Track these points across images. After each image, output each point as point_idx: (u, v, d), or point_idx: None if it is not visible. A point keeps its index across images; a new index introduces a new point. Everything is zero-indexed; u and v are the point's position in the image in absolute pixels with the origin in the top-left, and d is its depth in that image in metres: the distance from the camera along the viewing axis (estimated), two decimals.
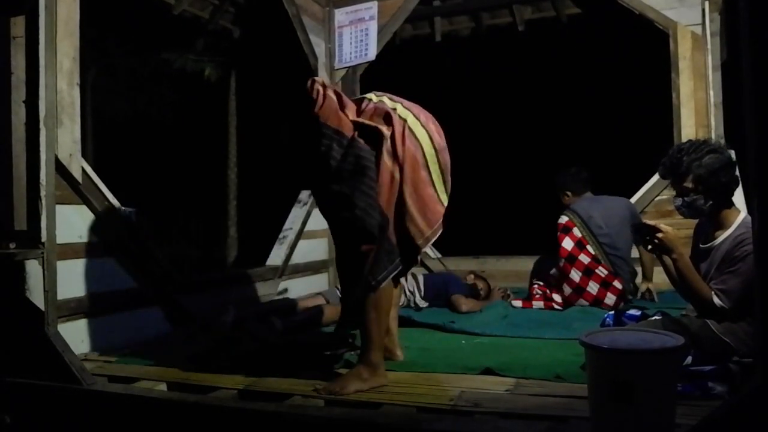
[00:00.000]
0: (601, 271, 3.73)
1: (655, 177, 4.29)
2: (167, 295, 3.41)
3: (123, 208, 3.26)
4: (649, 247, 2.37)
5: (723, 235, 2.35)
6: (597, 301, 3.73)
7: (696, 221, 2.59)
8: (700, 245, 2.47)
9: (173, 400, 2.29)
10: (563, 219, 3.93)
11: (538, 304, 3.89)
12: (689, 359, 2.18)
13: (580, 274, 3.76)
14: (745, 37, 1.39)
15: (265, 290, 4.28)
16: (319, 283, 5.00)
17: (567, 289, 3.82)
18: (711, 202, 2.33)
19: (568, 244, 3.81)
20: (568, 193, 4.18)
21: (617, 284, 3.73)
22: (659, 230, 2.31)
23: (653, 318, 2.49)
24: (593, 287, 3.73)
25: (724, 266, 2.28)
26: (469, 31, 6.25)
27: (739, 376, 2.08)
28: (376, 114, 2.33)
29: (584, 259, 3.76)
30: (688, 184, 2.34)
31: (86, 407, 2.34)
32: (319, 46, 5.22)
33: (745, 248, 2.19)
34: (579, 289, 3.77)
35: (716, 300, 2.25)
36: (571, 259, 3.79)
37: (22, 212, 2.52)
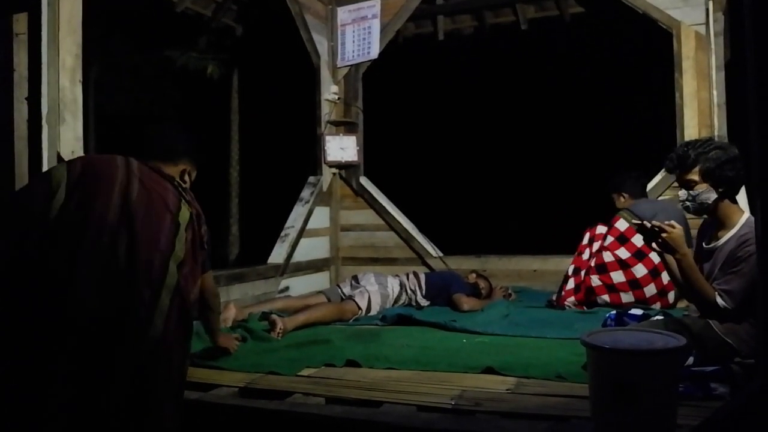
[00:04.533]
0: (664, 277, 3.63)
1: (658, 176, 4.29)
2: None
3: None
4: (653, 245, 2.37)
5: (727, 236, 2.34)
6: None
7: (700, 223, 2.58)
8: (704, 245, 2.46)
9: None
10: (623, 225, 3.73)
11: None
12: (691, 360, 2.17)
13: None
14: (749, 37, 1.38)
15: (266, 288, 4.28)
16: (321, 281, 5.00)
17: (651, 290, 3.68)
18: (716, 197, 2.33)
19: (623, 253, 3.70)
20: (625, 194, 4.02)
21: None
22: (664, 230, 2.30)
23: (655, 318, 2.49)
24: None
25: (728, 267, 2.28)
26: (472, 30, 6.24)
27: (741, 377, 2.07)
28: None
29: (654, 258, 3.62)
30: (695, 176, 2.34)
31: None
32: (322, 44, 5.21)
33: (749, 248, 2.19)
34: (663, 292, 3.67)
35: (719, 300, 2.24)
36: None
37: None
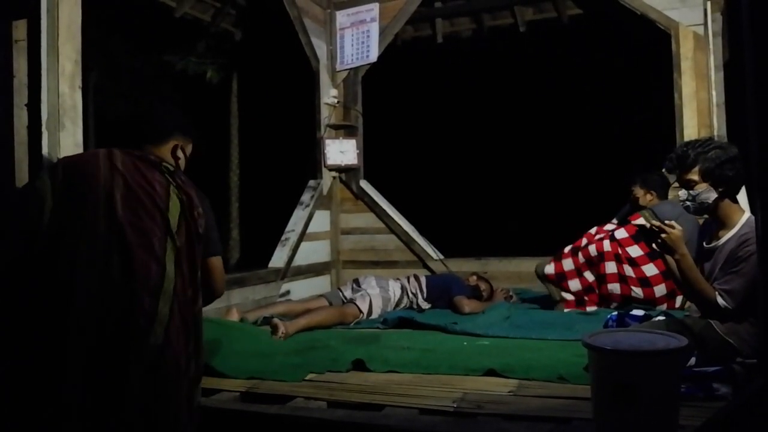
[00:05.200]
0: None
1: None
2: None
3: None
4: (653, 245, 2.37)
5: (727, 235, 2.34)
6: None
7: (700, 222, 2.58)
8: (705, 245, 2.46)
9: None
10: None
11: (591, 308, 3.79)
12: (693, 360, 2.17)
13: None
14: (747, 37, 1.38)
15: (267, 292, 4.28)
16: (322, 285, 5.00)
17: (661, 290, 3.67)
18: (716, 197, 2.33)
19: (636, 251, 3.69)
20: (653, 193, 4.00)
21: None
22: (663, 230, 2.31)
23: (656, 319, 2.49)
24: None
25: (728, 266, 2.28)
26: (470, 33, 6.25)
27: (743, 377, 2.07)
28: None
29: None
30: (694, 176, 2.34)
31: None
32: (321, 48, 5.22)
33: (749, 248, 2.19)
34: (672, 294, 3.65)
35: (720, 300, 2.24)
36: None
37: None
